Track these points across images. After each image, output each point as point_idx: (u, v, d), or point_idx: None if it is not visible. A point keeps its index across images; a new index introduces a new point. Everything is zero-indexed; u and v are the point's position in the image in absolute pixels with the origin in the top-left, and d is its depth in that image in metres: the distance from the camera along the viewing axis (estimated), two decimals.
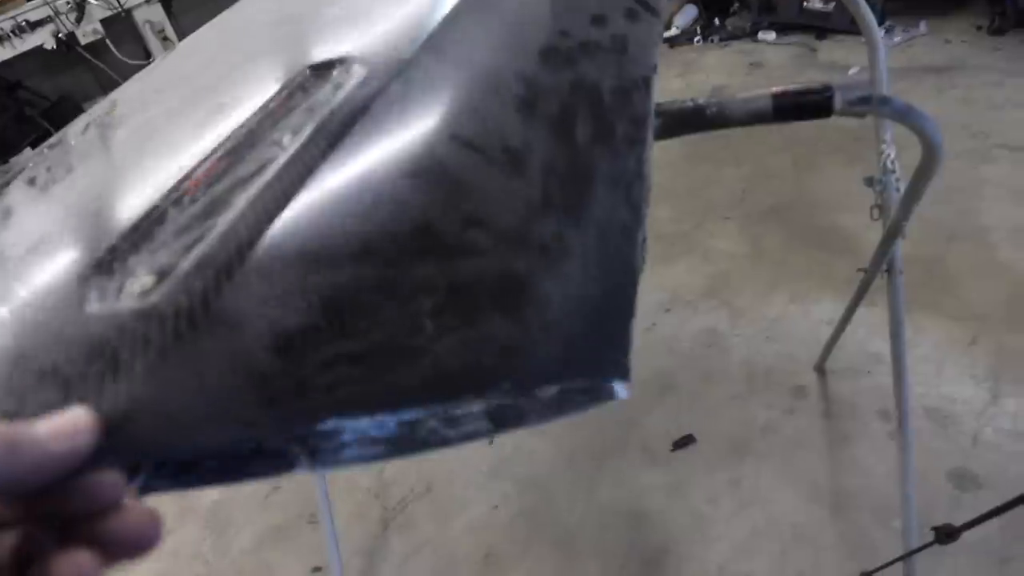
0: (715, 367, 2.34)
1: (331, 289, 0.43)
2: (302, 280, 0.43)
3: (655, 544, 1.88)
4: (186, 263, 0.43)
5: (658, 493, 2.00)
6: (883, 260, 1.44)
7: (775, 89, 0.97)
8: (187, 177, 0.52)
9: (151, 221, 0.49)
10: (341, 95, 0.57)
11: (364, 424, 0.39)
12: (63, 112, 3.38)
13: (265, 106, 0.58)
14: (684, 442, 2.12)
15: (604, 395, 0.49)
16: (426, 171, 0.51)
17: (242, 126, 0.56)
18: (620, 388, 0.51)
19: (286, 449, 0.37)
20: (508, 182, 0.54)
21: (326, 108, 0.55)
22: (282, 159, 0.51)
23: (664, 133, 1.03)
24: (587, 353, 0.46)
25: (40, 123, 3.30)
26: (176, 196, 0.50)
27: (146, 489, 0.35)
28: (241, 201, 0.48)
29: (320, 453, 0.38)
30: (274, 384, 0.39)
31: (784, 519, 1.86)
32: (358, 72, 0.60)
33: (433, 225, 0.48)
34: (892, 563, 1.58)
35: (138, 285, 0.43)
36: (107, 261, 0.46)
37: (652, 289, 2.70)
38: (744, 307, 2.54)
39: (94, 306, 0.43)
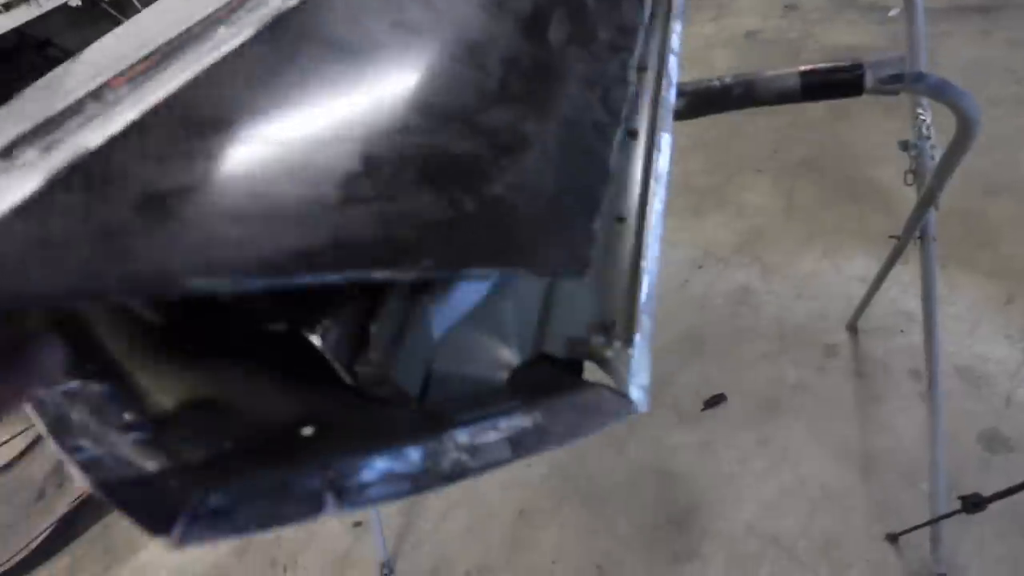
0: (746, 325, 2.34)
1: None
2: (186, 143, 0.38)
3: (684, 502, 1.92)
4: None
5: (688, 452, 2.03)
6: (916, 227, 1.42)
7: (803, 67, 0.95)
8: (121, 74, 0.47)
9: (67, 111, 0.42)
10: None
11: (385, 462, 0.42)
12: None
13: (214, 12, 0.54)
14: (715, 401, 2.14)
15: (623, 411, 0.50)
16: (357, 49, 0.49)
17: (188, 29, 0.52)
18: (640, 402, 0.52)
19: (314, 491, 0.39)
20: (458, 70, 0.51)
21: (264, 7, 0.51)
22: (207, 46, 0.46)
23: (689, 113, 1.02)
24: (535, 241, 0.45)
25: None
26: (98, 90, 0.44)
27: (184, 539, 0.37)
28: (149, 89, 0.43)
29: (346, 492, 0.40)
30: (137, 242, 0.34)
31: (813, 479, 1.88)
32: None
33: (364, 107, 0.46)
34: (918, 528, 1.60)
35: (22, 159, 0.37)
36: (8, 148, 0.39)
37: (684, 245, 2.68)
38: (776, 263, 2.51)
39: None
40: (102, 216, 0.34)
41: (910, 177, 1.48)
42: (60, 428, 0.43)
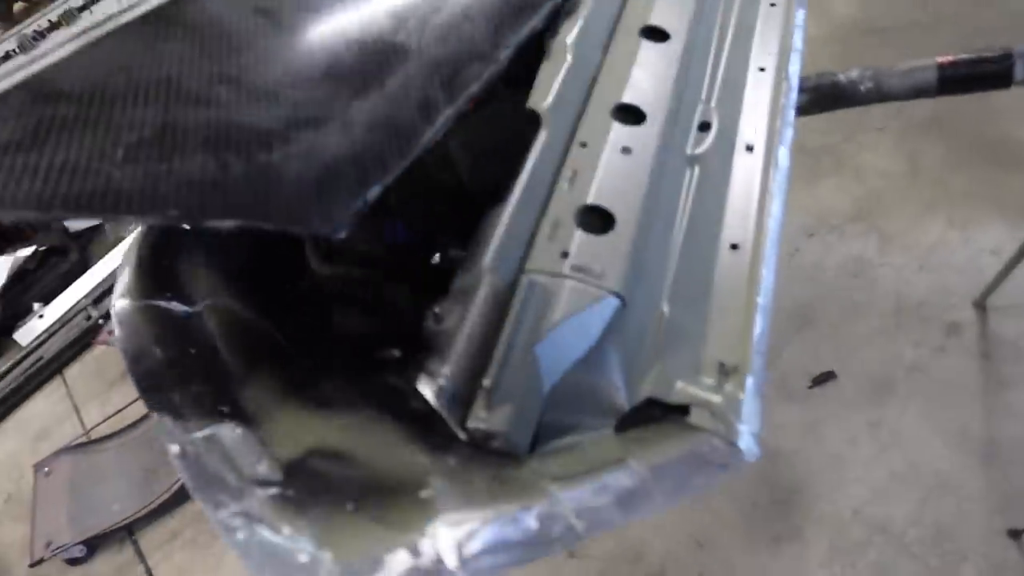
0: (860, 299, 2.22)
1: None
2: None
3: (788, 482, 1.88)
4: None
5: (793, 430, 1.98)
6: None
7: (942, 58, 0.87)
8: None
9: None
10: None
11: (499, 528, 0.43)
12: None
13: None
14: (823, 379, 2.07)
15: (732, 462, 0.49)
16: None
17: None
18: (750, 451, 0.51)
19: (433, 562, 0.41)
20: (292, 48, 0.62)
21: None
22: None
23: (811, 109, 0.97)
24: (296, 201, 0.53)
25: None
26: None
27: None
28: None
29: (464, 564, 0.41)
30: None
31: (927, 465, 1.80)
32: None
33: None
34: None
35: None
36: None
37: (795, 210, 2.55)
38: (896, 232, 2.36)
39: None
40: None
41: None
42: (201, 480, 0.46)
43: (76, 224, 3.24)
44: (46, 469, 2.41)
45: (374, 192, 0.57)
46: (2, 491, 2.57)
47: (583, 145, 0.65)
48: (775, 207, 0.68)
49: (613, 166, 0.63)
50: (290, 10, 0.68)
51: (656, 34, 0.77)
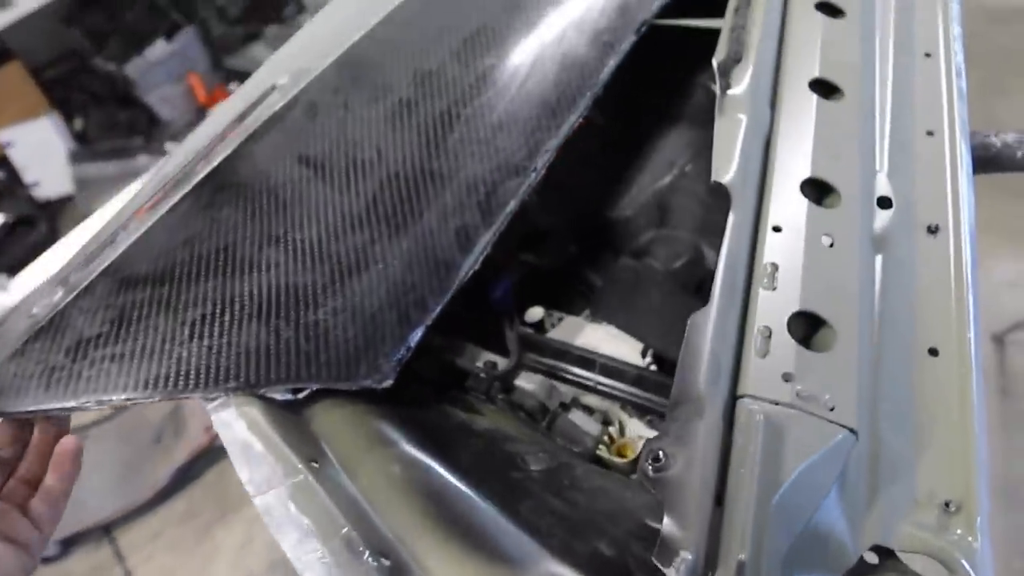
0: None
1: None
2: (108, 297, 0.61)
3: None
4: None
5: None
6: None
7: None
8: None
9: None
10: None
11: None
12: (190, 1, 3.32)
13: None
14: None
15: None
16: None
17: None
18: None
19: None
20: (332, 200, 0.63)
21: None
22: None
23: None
24: (343, 357, 0.55)
25: (169, 12, 3.25)
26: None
27: None
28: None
29: None
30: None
31: None
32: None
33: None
34: None
35: None
36: None
37: None
38: None
39: None
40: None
41: None
42: None
43: (45, 193, 3.03)
44: None
45: (416, 336, 0.57)
46: None
47: (777, 229, 0.56)
48: (972, 302, 0.60)
49: (817, 260, 0.55)
50: (326, 154, 0.68)
51: (827, 89, 0.68)
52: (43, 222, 2.92)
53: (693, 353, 0.48)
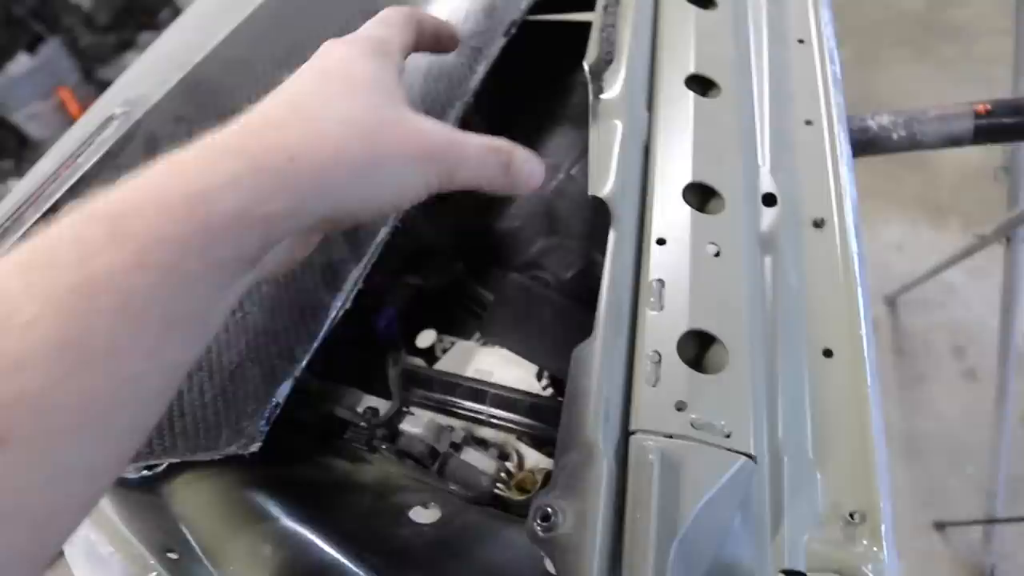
0: None
1: None
2: None
3: None
4: None
5: None
6: (1007, 230, 1.31)
7: (978, 104, 0.82)
8: None
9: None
10: None
11: None
12: (52, 10, 3.08)
13: None
14: None
15: None
16: None
17: None
18: None
19: None
20: None
21: None
22: None
23: None
24: (206, 425, 0.49)
25: (28, 23, 3.01)
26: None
27: None
28: None
29: None
30: None
31: None
32: None
33: None
34: (974, 523, 1.58)
35: None
36: None
37: None
38: None
39: None
40: None
41: (1001, 174, 1.36)
42: None
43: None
44: None
45: (284, 390, 0.51)
46: None
47: (661, 242, 0.53)
48: (861, 300, 0.59)
49: (704, 272, 0.52)
50: None
51: (703, 85, 0.66)
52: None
53: (579, 392, 0.45)
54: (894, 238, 2.27)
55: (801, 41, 0.78)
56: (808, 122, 0.70)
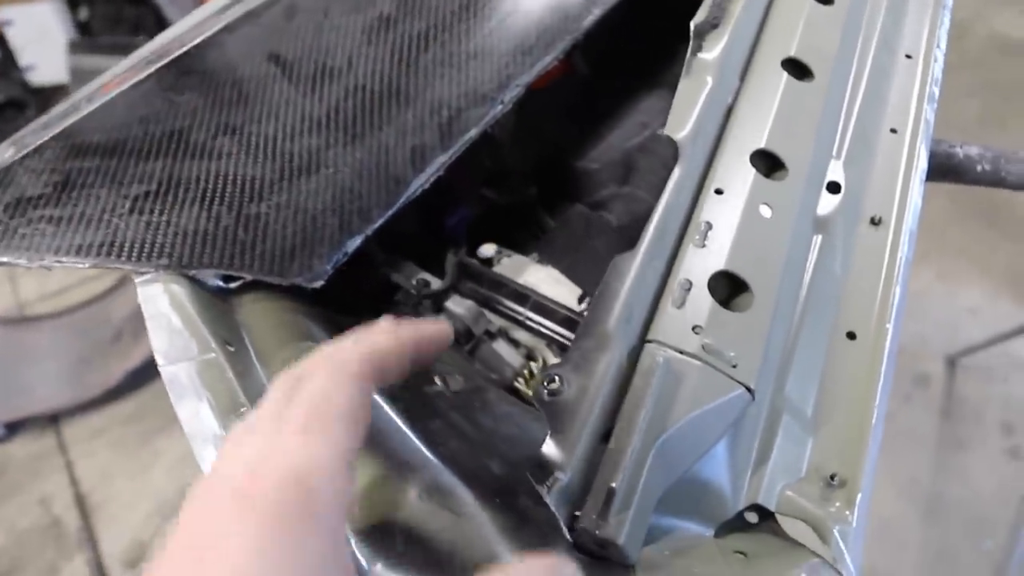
0: None
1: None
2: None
3: None
4: None
5: None
6: None
7: None
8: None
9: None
10: None
11: None
12: None
13: None
14: None
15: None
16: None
17: None
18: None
19: None
20: (293, 99, 0.63)
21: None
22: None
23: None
24: (278, 252, 0.56)
25: None
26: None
27: None
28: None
29: None
30: None
31: (872, 509, 1.83)
32: None
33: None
34: None
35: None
36: None
37: None
38: None
39: None
40: None
41: None
42: None
43: (39, 79, 2.97)
44: None
45: (354, 243, 0.58)
46: None
47: (719, 192, 0.57)
48: (898, 296, 0.62)
49: (751, 226, 0.56)
50: (297, 56, 0.69)
51: (799, 69, 0.69)
52: (33, 107, 2.87)
53: (610, 294, 0.49)
54: (971, 301, 2.22)
55: (909, 56, 0.79)
56: (893, 130, 0.72)
